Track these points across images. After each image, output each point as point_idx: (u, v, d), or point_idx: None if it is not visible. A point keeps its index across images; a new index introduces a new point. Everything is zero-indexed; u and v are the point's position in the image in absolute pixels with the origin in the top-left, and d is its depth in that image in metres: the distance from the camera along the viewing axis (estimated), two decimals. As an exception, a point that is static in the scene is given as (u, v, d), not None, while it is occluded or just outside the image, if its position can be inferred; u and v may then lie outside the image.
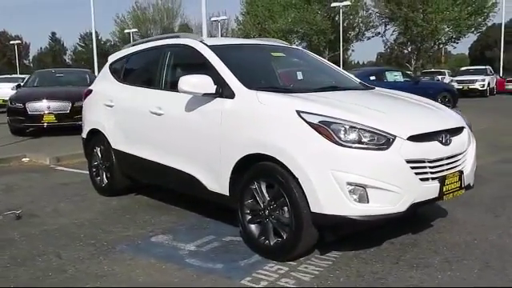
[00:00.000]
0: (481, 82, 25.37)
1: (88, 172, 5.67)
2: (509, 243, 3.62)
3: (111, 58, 5.57)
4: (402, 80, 13.07)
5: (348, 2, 36.22)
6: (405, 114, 3.52)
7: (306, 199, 3.09)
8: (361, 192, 3.00)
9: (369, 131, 3.05)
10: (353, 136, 3.03)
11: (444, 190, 3.27)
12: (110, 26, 66.80)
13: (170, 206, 4.83)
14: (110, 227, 4.23)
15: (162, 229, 4.13)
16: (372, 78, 12.35)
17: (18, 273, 3.28)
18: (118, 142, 4.95)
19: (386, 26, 39.42)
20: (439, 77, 28.63)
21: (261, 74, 4.28)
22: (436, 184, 3.23)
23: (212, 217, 4.38)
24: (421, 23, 34.95)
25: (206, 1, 15.92)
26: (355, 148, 3.01)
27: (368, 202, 3.00)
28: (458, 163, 3.44)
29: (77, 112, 10.22)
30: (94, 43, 25.49)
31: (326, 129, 3.05)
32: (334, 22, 39.23)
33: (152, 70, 4.64)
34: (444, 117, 3.64)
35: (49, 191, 5.67)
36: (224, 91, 3.70)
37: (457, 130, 3.53)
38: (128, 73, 5.17)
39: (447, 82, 25.89)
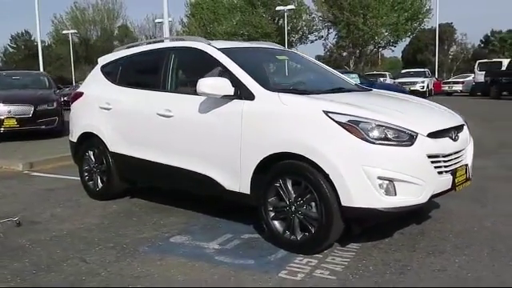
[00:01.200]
0: (421, 83, 26.94)
1: (69, 177, 5.54)
2: (505, 229, 3.98)
3: (102, 61, 5.47)
4: (359, 82, 13.63)
5: (292, 6, 37.12)
6: (418, 113, 3.81)
7: (336, 194, 3.27)
8: (389, 185, 3.23)
9: (394, 129, 3.28)
10: (380, 134, 3.25)
11: (456, 181, 3.58)
12: (44, 27, 63.73)
13: (173, 208, 4.84)
14: (121, 230, 4.20)
15: (177, 229, 4.16)
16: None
17: (49, 278, 3.22)
18: (116, 145, 4.90)
19: (328, 30, 40.83)
20: (381, 79, 29.90)
21: (273, 76, 4.42)
22: (449, 176, 3.53)
23: (220, 216, 4.46)
24: (362, 27, 36.46)
25: (160, 3, 15.56)
26: (383, 145, 3.23)
27: (395, 194, 3.24)
28: (463, 157, 3.77)
29: (40, 116, 9.90)
30: (39, 45, 24.38)
31: (355, 127, 3.25)
32: (279, 25, 39.98)
33: (155, 73, 4.61)
34: (450, 115, 3.97)
35: (37, 198, 5.50)
36: (242, 93, 3.81)
37: (460, 127, 3.85)
38: (126, 75, 5.12)
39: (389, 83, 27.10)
